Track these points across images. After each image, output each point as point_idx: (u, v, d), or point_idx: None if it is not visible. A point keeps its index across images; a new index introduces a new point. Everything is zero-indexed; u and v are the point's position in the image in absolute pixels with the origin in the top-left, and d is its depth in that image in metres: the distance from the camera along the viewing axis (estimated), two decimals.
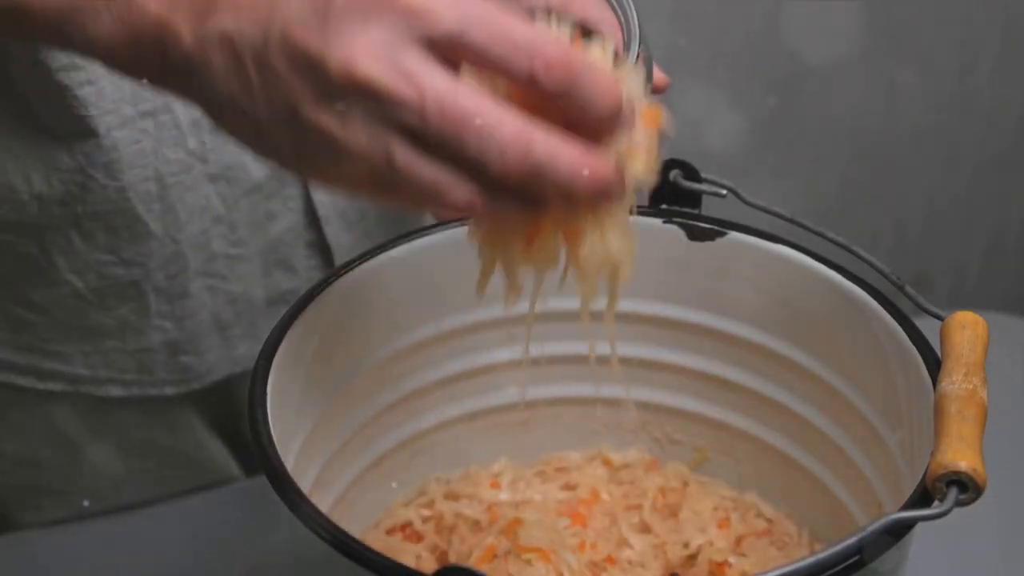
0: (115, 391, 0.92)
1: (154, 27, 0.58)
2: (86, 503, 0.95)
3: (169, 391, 0.93)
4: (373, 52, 0.53)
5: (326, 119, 0.54)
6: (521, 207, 0.57)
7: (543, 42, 0.54)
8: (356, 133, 0.54)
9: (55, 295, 0.88)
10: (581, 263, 0.61)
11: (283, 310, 0.92)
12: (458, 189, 0.55)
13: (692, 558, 0.77)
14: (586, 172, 0.55)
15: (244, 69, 0.56)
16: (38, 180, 0.84)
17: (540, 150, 0.54)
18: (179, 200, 0.87)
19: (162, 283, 0.89)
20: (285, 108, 0.55)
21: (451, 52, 0.54)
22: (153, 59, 0.58)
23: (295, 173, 0.59)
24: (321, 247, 0.94)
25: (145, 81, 0.61)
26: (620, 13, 0.71)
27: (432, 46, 0.54)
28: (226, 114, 0.58)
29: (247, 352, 0.94)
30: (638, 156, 0.58)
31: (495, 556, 0.74)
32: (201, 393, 0.95)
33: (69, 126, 0.83)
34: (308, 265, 0.93)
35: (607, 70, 0.58)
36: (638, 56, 0.70)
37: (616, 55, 0.71)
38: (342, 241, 0.94)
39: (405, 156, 0.54)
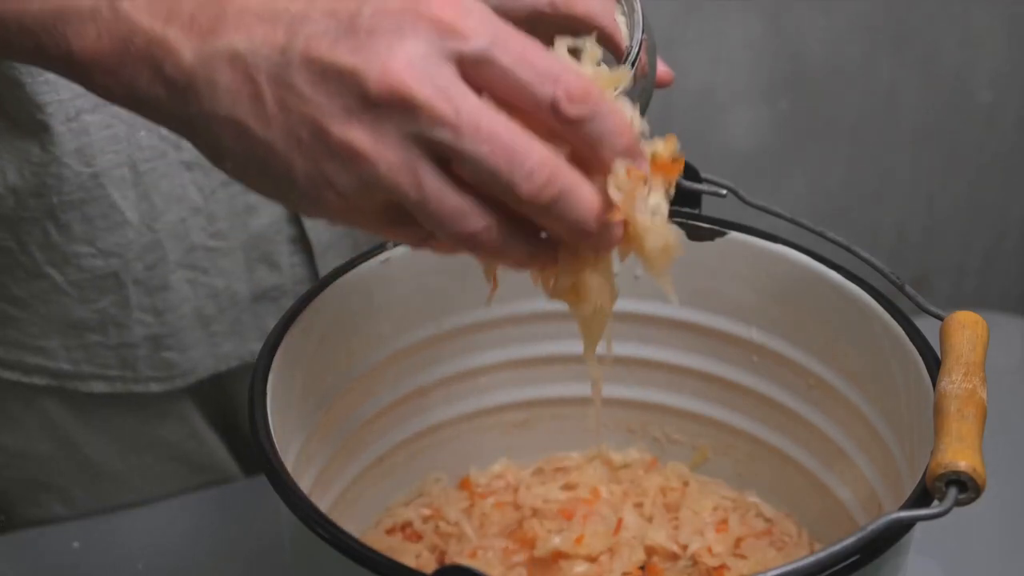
0: (99, 387, 0.92)
1: (145, 42, 0.55)
2: (85, 500, 0.96)
3: (155, 387, 0.93)
4: (411, 65, 0.53)
5: (358, 135, 0.53)
6: (530, 248, 0.56)
7: (566, 71, 0.54)
8: (387, 150, 0.53)
9: (35, 289, 0.88)
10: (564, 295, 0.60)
11: (268, 307, 0.93)
12: (476, 219, 0.55)
13: (691, 560, 0.77)
14: (597, 214, 0.55)
15: (257, 88, 0.54)
16: (12, 173, 0.84)
17: (564, 179, 0.54)
18: (154, 187, 0.86)
19: (141, 274, 0.89)
20: (307, 128, 0.54)
21: (476, 72, 0.54)
22: (142, 78, 0.56)
23: (300, 206, 0.57)
24: (304, 243, 0.93)
25: (125, 105, 0.58)
26: (624, 2, 0.71)
27: (461, 63, 0.53)
28: (227, 141, 0.55)
29: (233, 351, 0.94)
30: (653, 218, 0.58)
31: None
32: (193, 389, 0.95)
33: (39, 111, 0.82)
34: (292, 262, 0.93)
35: (625, 112, 0.57)
36: (641, 44, 0.70)
37: (619, 50, 0.71)
38: (323, 237, 0.93)
39: (433, 179, 0.54)
